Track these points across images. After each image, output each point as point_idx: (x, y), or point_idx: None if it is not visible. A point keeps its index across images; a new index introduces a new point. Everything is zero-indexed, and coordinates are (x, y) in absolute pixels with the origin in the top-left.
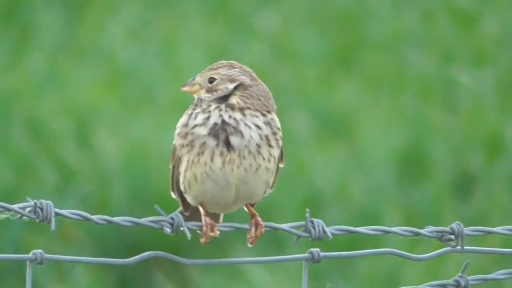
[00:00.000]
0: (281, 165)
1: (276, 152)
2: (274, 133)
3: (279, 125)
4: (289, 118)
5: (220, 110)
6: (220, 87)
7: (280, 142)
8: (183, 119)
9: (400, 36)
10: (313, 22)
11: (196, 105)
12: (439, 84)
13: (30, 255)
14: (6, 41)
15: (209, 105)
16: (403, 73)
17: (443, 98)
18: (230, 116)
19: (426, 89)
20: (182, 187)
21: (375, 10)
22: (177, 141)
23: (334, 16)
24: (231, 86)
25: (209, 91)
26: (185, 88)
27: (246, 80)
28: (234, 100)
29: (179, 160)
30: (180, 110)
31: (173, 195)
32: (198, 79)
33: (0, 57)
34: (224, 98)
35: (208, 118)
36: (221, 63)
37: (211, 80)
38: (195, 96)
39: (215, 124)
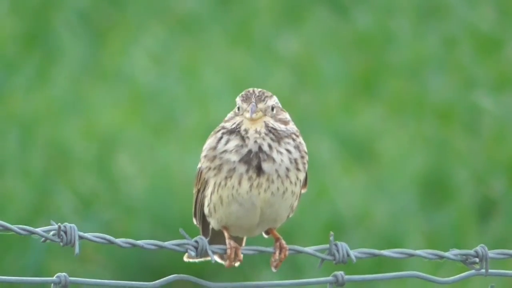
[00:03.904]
0: (303, 191)
1: (302, 176)
2: (302, 157)
3: (305, 148)
4: (312, 142)
5: (260, 137)
6: (281, 116)
7: (306, 166)
8: (210, 141)
9: (422, 61)
10: (335, 46)
11: (232, 131)
12: (462, 109)
13: (54, 278)
14: (29, 65)
15: (259, 134)
16: (425, 97)
17: (465, 123)
18: (269, 145)
19: (448, 113)
20: (206, 211)
21: (397, 35)
22: (203, 163)
23: (356, 41)
24: (288, 116)
25: (276, 120)
26: (255, 116)
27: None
28: (293, 127)
29: (205, 183)
30: (203, 135)
31: (195, 222)
32: (260, 106)
33: (24, 81)
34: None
35: (242, 146)
36: (265, 91)
37: (273, 107)
38: (256, 122)
39: (250, 151)
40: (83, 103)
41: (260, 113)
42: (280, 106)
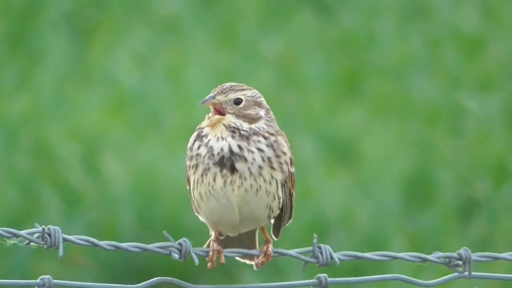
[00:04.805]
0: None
1: (278, 176)
2: (278, 156)
3: (285, 149)
4: (296, 143)
5: (227, 144)
6: (250, 112)
7: (285, 167)
8: (190, 141)
9: (406, 62)
10: (319, 47)
11: (201, 137)
12: (446, 110)
13: (38, 280)
14: (14, 66)
15: (221, 137)
16: (409, 98)
17: (449, 123)
18: (238, 146)
19: (432, 114)
20: (194, 207)
21: (381, 36)
22: (187, 161)
23: (340, 42)
24: (262, 112)
25: (239, 115)
26: (208, 122)
27: (266, 104)
28: (261, 125)
29: (189, 180)
30: (187, 135)
31: (201, 218)
32: (219, 98)
33: (8, 82)
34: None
35: (214, 153)
36: (239, 85)
37: (238, 101)
38: (215, 127)
39: (223, 157)
40: (68, 104)
41: (216, 117)
42: (258, 100)
